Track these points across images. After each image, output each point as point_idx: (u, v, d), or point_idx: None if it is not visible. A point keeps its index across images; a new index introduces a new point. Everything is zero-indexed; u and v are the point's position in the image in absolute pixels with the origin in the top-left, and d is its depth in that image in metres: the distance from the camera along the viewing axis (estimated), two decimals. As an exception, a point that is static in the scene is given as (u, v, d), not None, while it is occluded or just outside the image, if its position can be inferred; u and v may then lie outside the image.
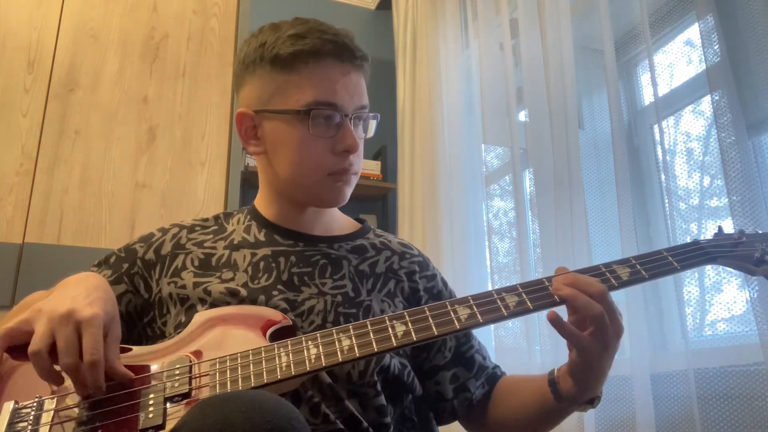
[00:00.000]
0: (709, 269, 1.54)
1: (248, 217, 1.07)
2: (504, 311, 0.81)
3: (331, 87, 0.94)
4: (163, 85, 2.12)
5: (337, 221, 1.09)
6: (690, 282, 1.56)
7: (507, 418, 0.99)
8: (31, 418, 0.76)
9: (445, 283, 1.10)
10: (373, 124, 1.04)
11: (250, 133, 1.01)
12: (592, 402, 0.87)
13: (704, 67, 1.41)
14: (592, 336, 0.79)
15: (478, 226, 2.18)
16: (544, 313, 1.91)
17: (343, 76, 0.95)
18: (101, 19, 2.11)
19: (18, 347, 0.78)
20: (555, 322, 0.80)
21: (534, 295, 0.82)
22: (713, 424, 1.32)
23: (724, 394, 1.32)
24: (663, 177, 1.52)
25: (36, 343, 0.74)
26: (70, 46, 2.04)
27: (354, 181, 1.01)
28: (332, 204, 1.01)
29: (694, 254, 0.87)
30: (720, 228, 0.91)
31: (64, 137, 1.96)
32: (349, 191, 1.00)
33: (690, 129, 1.72)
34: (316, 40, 0.94)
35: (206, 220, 1.08)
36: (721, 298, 1.50)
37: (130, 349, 0.85)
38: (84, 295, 0.80)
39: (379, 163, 2.70)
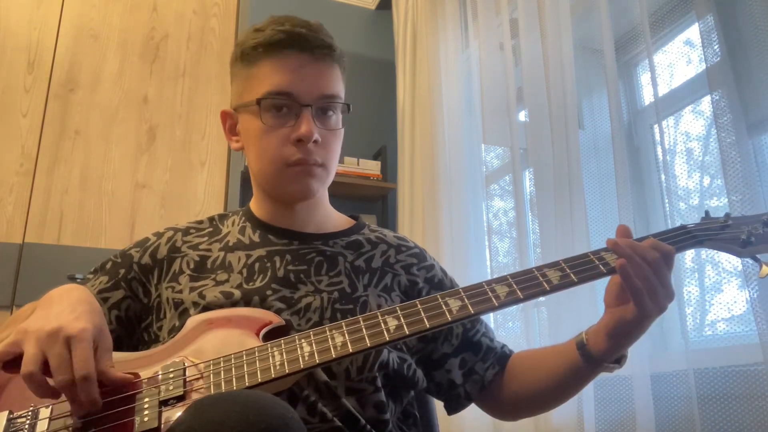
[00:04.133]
0: (709, 269, 1.54)
1: (243, 218, 1.07)
2: (495, 301, 0.81)
3: (286, 77, 0.95)
4: (163, 85, 2.12)
5: (331, 219, 1.09)
6: (690, 282, 1.56)
7: (530, 391, 0.99)
8: (27, 427, 0.76)
9: (444, 272, 1.09)
10: (340, 115, 1.01)
11: (231, 129, 1.05)
12: (619, 362, 0.89)
13: (704, 67, 1.41)
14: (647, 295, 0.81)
15: (478, 226, 2.18)
16: (544, 314, 1.91)
17: (300, 66, 0.95)
18: (101, 19, 2.11)
19: (8, 361, 0.77)
20: (624, 270, 0.80)
21: (524, 285, 0.83)
22: (713, 424, 1.32)
23: (724, 394, 1.32)
24: (663, 177, 1.52)
25: (27, 365, 0.73)
26: (70, 46, 2.04)
27: (320, 174, 0.98)
28: (298, 197, 0.99)
29: (681, 238, 0.87)
30: (707, 212, 0.92)
31: (64, 137, 1.96)
32: (315, 184, 0.98)
33: (690, 129, 1.72)
34: (272, 31, 0.96)
35: (201, 222, 1.08)
36: (721, 298, 1.50)
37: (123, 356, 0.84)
38: (69, 310, 0.79)
39: (379, 163, 2.70)
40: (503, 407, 1.04)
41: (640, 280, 0.80)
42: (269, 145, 0.96)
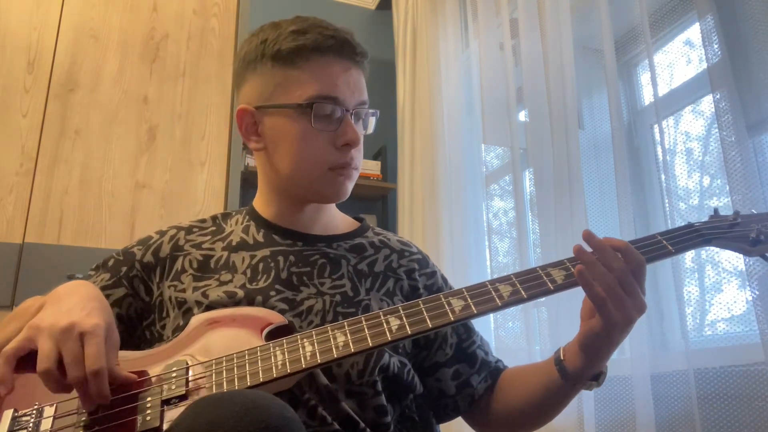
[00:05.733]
0: (709, 269, 1.55)
1: (247, 217, 1.06)
2: (498, 301, 0.81)
3: (333, 81, 0.95)
4: (163, 85, 2.12)
5: (336, 220, 1.09)
6: (690, 282, 1.56)
7: (513, 408, 0.99)
8: (31, 425, 0.76)
9: (445, 280, 1.09)
10: (372, 121, 1.04)
11: (250, 129, 1.01)
12: (597, 379, 0.87)
13: (704, 67, 1.41)
14: (614, 306, 0.79)
15: (478, 226, 2.18)
16: (544, 314, 1.91)
17: (344, 72, 0.96)
18: (101, 19, 2.11)
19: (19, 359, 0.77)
20: (582, 277, 0.79)
21: (528, 284, 0.82)
22: (713, 424, 1.32)
23: (724, 394, 1.32)
24: (663, 177, 1.52)
25: (44, 362, 0.74)
26: (70, 46, 2.04)
27: (355, 176, 1.01)
28: (333, 199, 1.01)
29: (689, 237, 0.85)
30: (715, 210, 0.90)
31: (64, 137, 1.96)
32: (350, 186, 1.00)
33: (690, 129, 1.72)
34: (317, 35, 0.95)
35: (204, 221, 1.08)
36: (721, 298, 1.50)
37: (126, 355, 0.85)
38: (80, 306, 0.79)
39: (379, 163, 2.70)
40: (490, 425, 1.03)
41: (603, 289, 0.78)
42: (313, 148, 0.96)
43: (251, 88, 1.00)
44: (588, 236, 0.81)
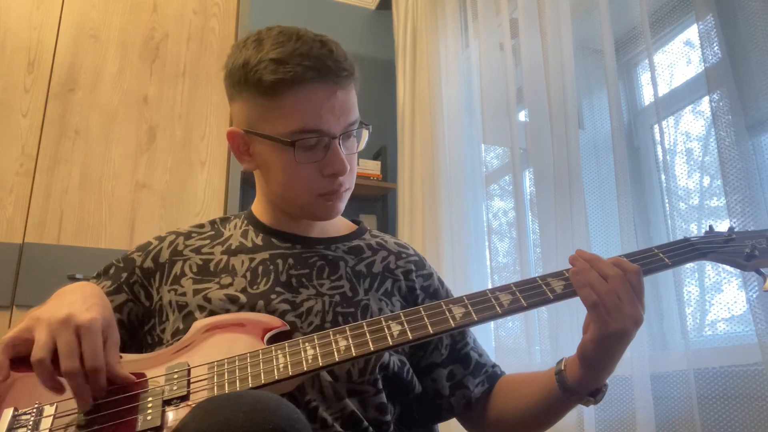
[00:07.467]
0: (709, 269, 1.55)
1: (245, 222, 1.07)
2: (498, 309, 0.82)
3: (316, 113, 0.91)
4: (163, 85, 2.13)
5: (333, 223, 1.09)
6: (690, 282, 1.56)
7: (509, 415, 0.99)
8: (31, 424, 0.76)
9: (441, 282, 1.10)
10: (365, 135, 1.01)
11: (242, 149, 1.00)
12: (595, 395, 0.88)
13: (704, 67, 1.41)
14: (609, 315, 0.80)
15: (478, 226, 2.18)
16: (544, 314, 1.91)
17: (328, 99, 0.92)
18: (101, 19, 2.11)
19: (17, 358, 0.78)
20: (575, 278, 0.81)
21: (528, 293, 0.84)
22: (713, 424, 1.32)
23: (724, 394, 1.32)
24: (663, 177, 1.52)
25: (39, 351, 0.75)
26: (70, 46, 2.04)
27: (347, 196, 1.00)
28: (325, 219, 1.02)
29: (685, 251, 0.88)
30: (711, 227, 0.93)
31: (64, 137, 1.96)
32: (342, 206, 1.00)
33: (690, 129, 1.72)
34: (297, 67, 0.90)
35: (202, 225, 1.09)
36: (721, 298, 1.50)
37: (121, 357, 0.85)
38: (81, 301, 0.81)
39: (379, 163, 2.70)
40: (485, 429, 1.03)
41: (596, 294, 0.80)
42: (300, 178, 0.95)
43: (239, 109, 0.97)
44: (579, 253, 0.84)
